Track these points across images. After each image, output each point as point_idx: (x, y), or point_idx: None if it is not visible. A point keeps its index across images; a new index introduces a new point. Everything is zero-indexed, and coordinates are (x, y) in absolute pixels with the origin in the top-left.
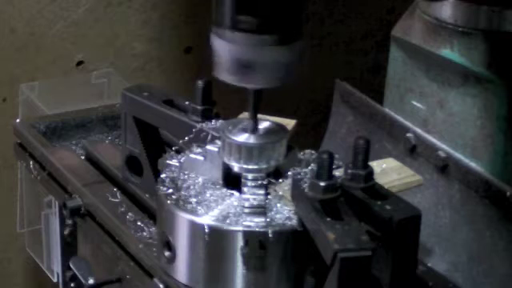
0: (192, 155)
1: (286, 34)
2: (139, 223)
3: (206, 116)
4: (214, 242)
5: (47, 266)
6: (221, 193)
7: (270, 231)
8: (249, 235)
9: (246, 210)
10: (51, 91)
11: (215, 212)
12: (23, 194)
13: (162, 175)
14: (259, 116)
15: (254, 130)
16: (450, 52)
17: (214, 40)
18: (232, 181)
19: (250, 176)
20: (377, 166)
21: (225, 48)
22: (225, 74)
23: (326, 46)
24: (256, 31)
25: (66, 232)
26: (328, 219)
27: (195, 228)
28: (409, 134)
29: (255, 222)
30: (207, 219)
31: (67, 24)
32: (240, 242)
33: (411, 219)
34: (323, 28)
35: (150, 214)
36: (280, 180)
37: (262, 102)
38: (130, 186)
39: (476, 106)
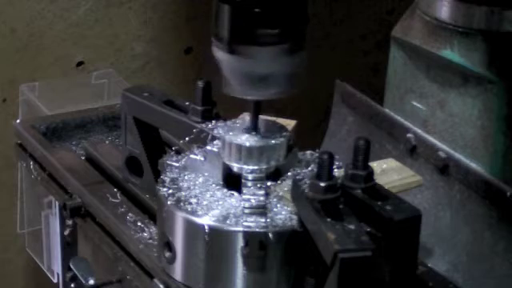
0: (192, 156)
1: (297, 42)
2: (139, 224)
3: (206, 116)
4: (214, 242)
5: (47, 266)
6: (221, 193)
7: (270, 232)
8: (249, 236)
9: (246, 211)
10: (51, 92)
11: (215, 212)
12: (23, 194)
13: (162, 176)
14: (259, 116)
15: (254, 130)
16: (450, 52)
17: (224, 56)
18: (232, 181)
19: (250, 176)
20: (377, 166)
21: (240, 63)
22: (238, 89)
23: (325, 46)
24: (273, 43)
25: (66, 232)
26: (328, 220)
27: (195, 228)
28: (409, 135)
29: (255, 223)
30: (207, 219)
31: (67, 24)
32: (240, 243)
33: (411, 220)
34: (323, 28)
35: (150, 215)
36: (280, 180)
37: (262, 103)
38: (130, 186)
39: (476, 106)
